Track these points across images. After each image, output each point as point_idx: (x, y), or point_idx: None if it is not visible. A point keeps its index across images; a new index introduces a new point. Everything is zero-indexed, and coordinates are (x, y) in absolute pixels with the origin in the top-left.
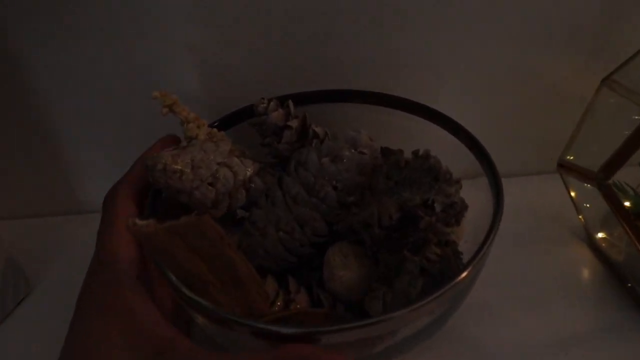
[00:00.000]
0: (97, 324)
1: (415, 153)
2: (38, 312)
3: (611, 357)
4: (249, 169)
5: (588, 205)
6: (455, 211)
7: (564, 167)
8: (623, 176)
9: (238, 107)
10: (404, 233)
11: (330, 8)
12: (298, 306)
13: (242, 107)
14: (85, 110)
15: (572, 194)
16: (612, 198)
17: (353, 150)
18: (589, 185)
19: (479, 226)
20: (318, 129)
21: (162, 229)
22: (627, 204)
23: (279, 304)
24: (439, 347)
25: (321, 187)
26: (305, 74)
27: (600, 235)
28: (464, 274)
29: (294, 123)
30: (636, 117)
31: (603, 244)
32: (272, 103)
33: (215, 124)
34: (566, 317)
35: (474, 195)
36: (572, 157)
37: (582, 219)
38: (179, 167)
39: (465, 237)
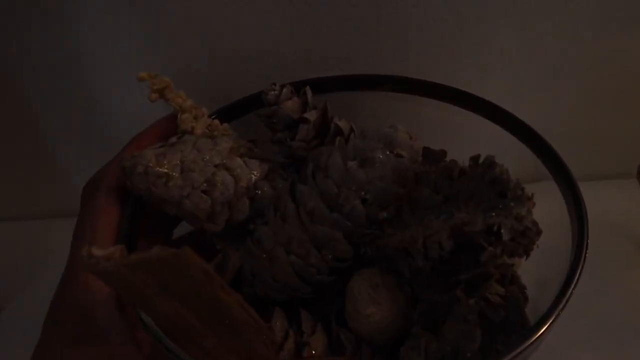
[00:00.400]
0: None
1: (474, 160)
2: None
3: None
4: (255, 172)
5: None
6: (528, 240)
7: None
8: None
9: (245, 94)
10: (457, 267)
11: None
12: (313, 352)
13: (249, 95)
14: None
15: None
16: None
17: (388, 152)
18: None
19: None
20: (341, 123)
21: (126, 265)
22: None
23: (288, 347)
24: None
25: (346, 199)
26: (325, 57)
27: None
28: (545, 327)
29: (311, 115)
30: None
31: None
32: (285, 90)
33: (214, 116)
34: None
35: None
36: None
37: None
38: (165, 171)
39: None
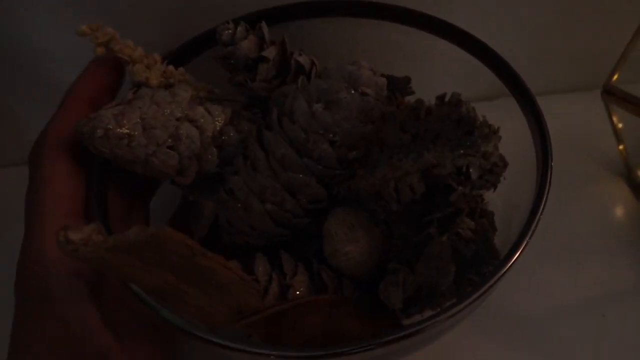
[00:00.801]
0: (20, 333)
1: (441, 98)
2: None
3: None
4: (219, 119)
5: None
6: (495, 175)
7: (612, 95)
8: None
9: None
10: (429, 206)
11: None
12: (297, 292)
13: (202, 33)
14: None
15: (614, 119)
16: None
17: (353, 91)
18: None
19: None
20: (302, 59)
21: (106, 249)
22: None
23: (272, 291)
24: (473, 317)
25: (315, 144)
26: None
27: None
28: (516, 256)
29: (270, 53)
30: None
31: None
32: (239, 28)
33: (167, 60)
34: (602, 272)
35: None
36: (617, 76)
37: (623, 150)
38: (126, 131)
39: None
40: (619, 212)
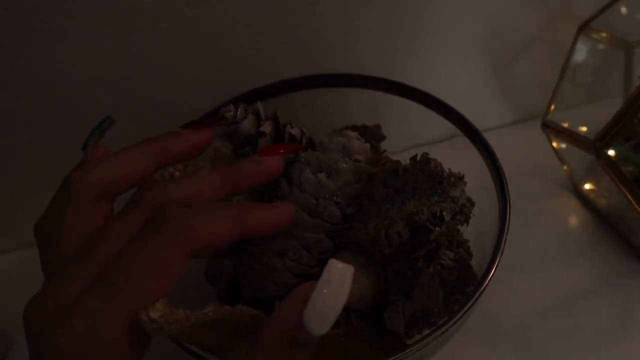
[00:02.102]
0: None
1: (413, 158)
2: None
3: (612, 304)
4: None
5: (570, 154)
6: (465, 215)
7: (549, 128)
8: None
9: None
10: (415, 244)
11: None
12: None
13: (208, 113)
14: None
15: (554, 144)
16: (609, 163)
17: (347, 159)
18: None
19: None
20: (294, 131)
21: (189, 327)
22: (611, 152)
23: None
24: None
25: (325, 207)
26: (253, 65)
27: (587, 186)
28: (490, 277)
29: (266, 128)
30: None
31: (591, 194)
32: (240, 109)
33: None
34: (565, 273)
35: (454, 156)
36: (553, 107)
37: (567, 169)
38: None
39: None
40: (573, 221)
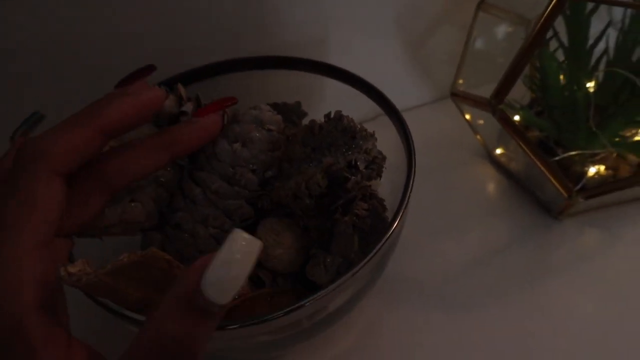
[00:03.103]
0: None
1: (327, 116)
2: None
3: (527, 255)
4: None
5: (483, 124)
6: (377, 165)
7: (457, 96)
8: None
9: None
10: (333, 197)
11: None
12: (240, 290)
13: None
14: None
15: (467, 116)
16: (505, 120)
17: (261, 129)
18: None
19: (390, 164)
20: None
21: (105, 274)
22: (517, 117)
23: None
24: (381, 291)
25: (241, 175)
26: (174, 52)
27: (498, 151)
28: (397, 222)
29: (188, 107)
30: (507, 31)
31: (502, 159)
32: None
33: None
34: (483, 231)
35: (379, 134)
36: (462, 82)
37: (480, 139)
38: None
39: None
40: (489, 185)
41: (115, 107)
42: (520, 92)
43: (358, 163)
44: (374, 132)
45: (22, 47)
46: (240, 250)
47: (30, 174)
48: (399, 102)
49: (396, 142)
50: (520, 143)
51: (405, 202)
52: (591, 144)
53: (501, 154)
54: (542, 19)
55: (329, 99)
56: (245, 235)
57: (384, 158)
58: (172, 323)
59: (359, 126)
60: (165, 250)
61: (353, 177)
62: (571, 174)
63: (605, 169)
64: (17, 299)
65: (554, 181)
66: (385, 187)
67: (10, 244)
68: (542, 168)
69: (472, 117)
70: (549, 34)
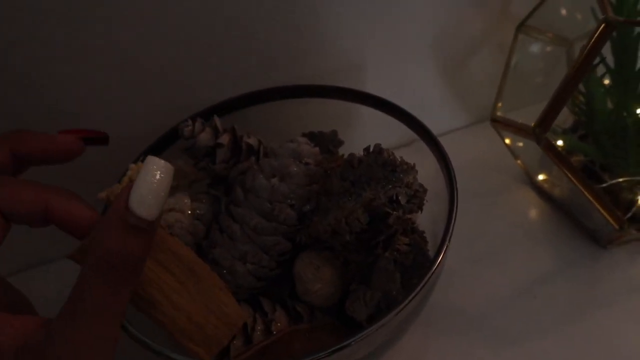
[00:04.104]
0: None
1: (366, 149)
2: None
3: (573, 286)
4: (186, 200)
5: (522, 147)
6: (419, 199)
7: (498, 123)
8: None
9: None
10: (374, 232)
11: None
12: (279, 324)
13: (164, 134)
14: None
15: (507, 141)
16: (550, 148)
17: (298, 163)
18: None
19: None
20: (251, 140)
21: None
22: (559, 142)
23: (259, 328)
24: (422, 322)
25: (280, 211)
26: (211, 80)
27: (541, 177)
28: (440, 259)
29: (224, 139)
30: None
31: (545, 185)
32: (197, 124)
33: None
34: (526, 260)
35: (415, 159)
36: (500, 105)
37: (521, 163)
38: None
39: None
40: (530, 211)
41: (28, 136)
42: (561, 115)
43: (399, 197)
44: (414, 164)
45: None
46: (158, 171)
47: None
48: (435, 126)
49: (433, 168)
50: (566, 171)
51: (449, 237)
52: None
53: (544, 180)
54: (589, 46)
55: (365, 126)
56: (161, 160)
57: (425, 191)
58: (110, 238)
59: (399, 159)
60: None
61: (394, 212)
62: (620, 201)
63: None
64: None
65: (602, 211)
66: (423, 213)
67: None
68: (590, 197)
69: (512, 141)
70: (596, 59)
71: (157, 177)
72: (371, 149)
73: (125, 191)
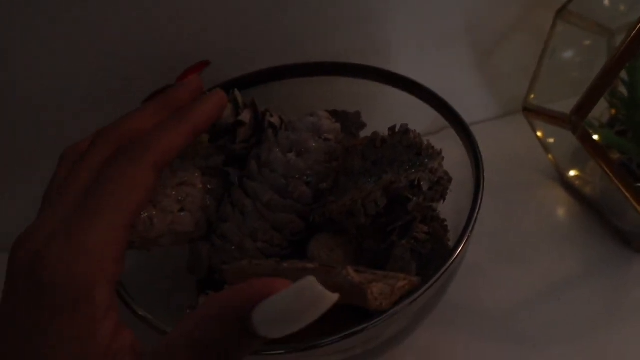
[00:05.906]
0: None
1: (392, 129)
2: None
3: (602, 292)
4: (196, 173)
5: (554, 142)
6: (442, 187)
7: (530, 112)
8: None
9: None
10: (391, 217)
11: None
12: None
13: None
14: None
15: (539, 134)
16: (586, 139)
17: (317, 138)
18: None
19: (453, 180)
20: (273, 119)
21: None
22: (595, 137)
23: None
24: (440, 319)
25: (295, 187)
26: (229, 55)
27: (572, 173)
28: (459, 250)
29: (245, 117)
30: (587, 43)
31: (576, 182)
32: None
33: None
34: (553, 261)
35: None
36: (533, 96)
37: (552, 158)
38: (146, 214)
39: None
40: (559, 209)
41: (201, 109)
42: (597, 109)
43: (422, 183)
44: (441, 150)
45: None
46: (307, 303)
47: (135, 164)
48: (464, 116)
49: (461, 158)
50: (603, 165)
51: (470, 228)
52: None
53: (575, 176)
54: (635, 30)
55: (390, 110)
56: (319, 288)
57: (449, 179)
58: (215, 326)
59: (425, 142)
60: (211, 261)
61: (414, 199)
62: None
63: None
64: (97, 267)
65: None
66: (447, 204)
67: (108, 219)
68: (627, 194)
69: (544, 134)
70: None
71: (305, 309)
72: (397, 129)
73: (256, 295)
